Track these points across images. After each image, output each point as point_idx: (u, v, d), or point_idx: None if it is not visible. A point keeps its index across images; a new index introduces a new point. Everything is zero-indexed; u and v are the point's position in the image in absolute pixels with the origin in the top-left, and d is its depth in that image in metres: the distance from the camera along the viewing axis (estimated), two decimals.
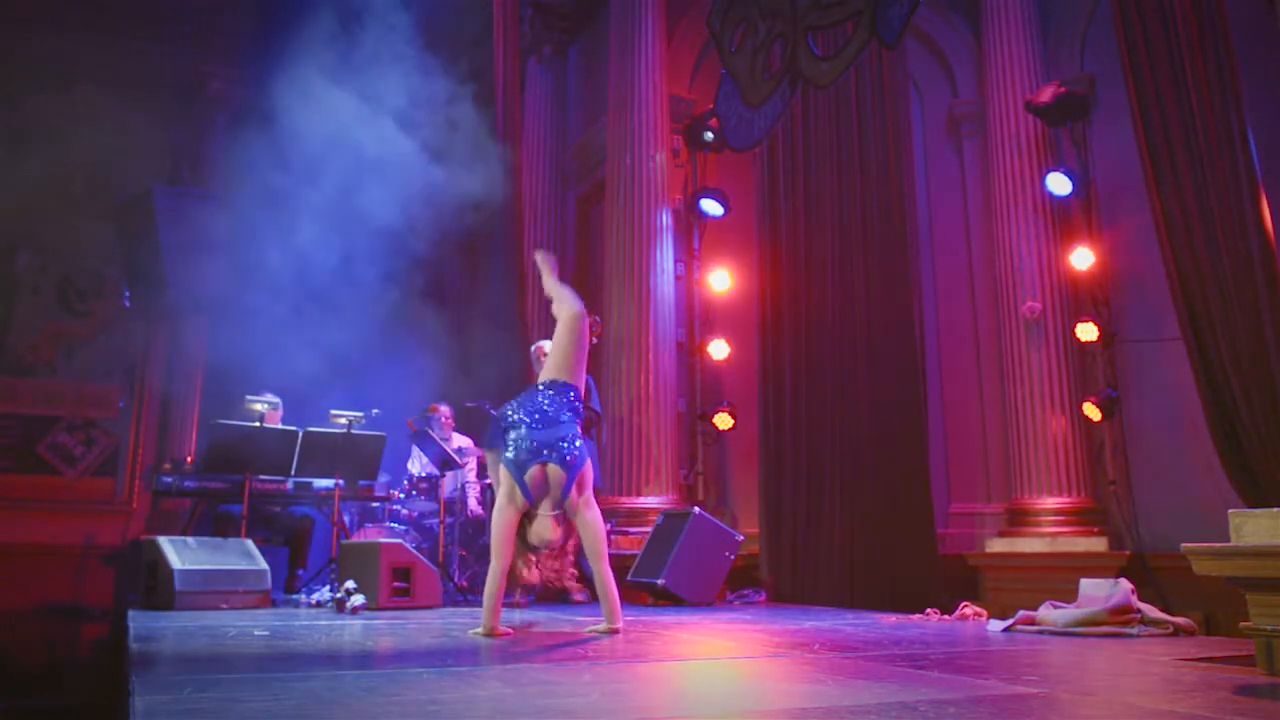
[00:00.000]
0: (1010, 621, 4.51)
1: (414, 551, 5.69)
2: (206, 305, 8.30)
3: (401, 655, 3.49)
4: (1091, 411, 6.36)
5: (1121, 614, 4.25)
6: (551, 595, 6.21)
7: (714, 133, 7.96)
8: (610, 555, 6.92)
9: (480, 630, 4.02)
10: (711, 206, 8.28)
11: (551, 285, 4.66)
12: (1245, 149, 4.86)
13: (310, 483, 6.48)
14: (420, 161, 8.19)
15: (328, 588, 5.79)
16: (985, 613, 5.22)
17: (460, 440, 7.71)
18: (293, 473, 6.38)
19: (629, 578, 6.55)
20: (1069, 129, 6.79)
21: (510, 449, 4.09)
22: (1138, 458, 6.39)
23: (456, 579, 6.64)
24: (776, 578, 6.95)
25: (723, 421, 8.02)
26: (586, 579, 6.31)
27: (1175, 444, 6.10)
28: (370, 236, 7.94)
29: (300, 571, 6.55)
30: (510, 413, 4.25)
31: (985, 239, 7.28)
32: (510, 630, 4.12)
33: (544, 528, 4.03)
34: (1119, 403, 6.43)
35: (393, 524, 7.00)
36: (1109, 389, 6.44)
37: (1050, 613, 4.40)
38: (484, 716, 2.22)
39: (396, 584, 5.42)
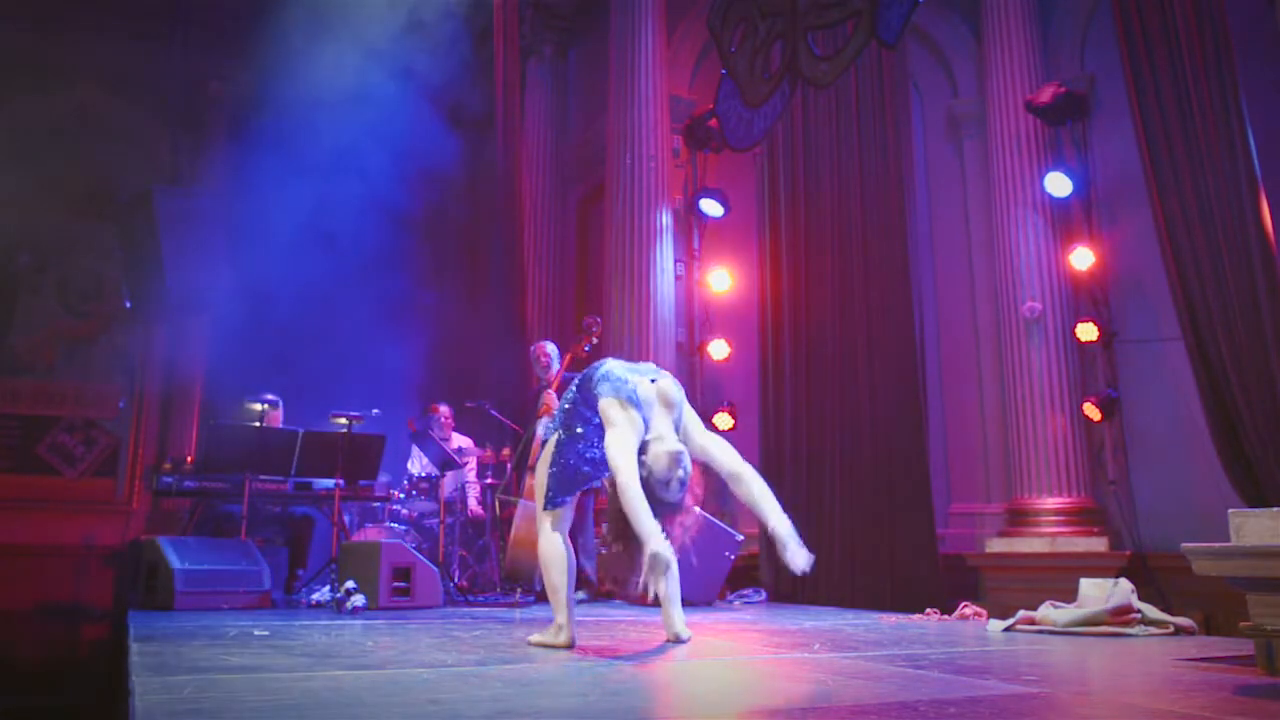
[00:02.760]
0: (1010, 621, 4.51)
1: (414, 551, 5.69)
2: (206, 305, 8.29)
3: (401, 655, 3.48)
4: (1091, 411, 6.36)
5: (1121, 614, 4.25)
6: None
7: (714, 133, 7.97)
8: (609, 555, 6.97)
9: (650, 551, 3.21)
10: (711, 207, 8.28)
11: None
12: (1245, 149, 4.87)
13: (310, 483, 6.47)
14: (421, 159, 8.20)
15: (328, 588, 5.78)
16: (985, 613, 5.22)
17: (460, 440, 7.70)
18: (293, 473, 6.38)
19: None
20: (1069, 129, 6.79)
21: (608, 383, 3.59)
22: (1138, 458, 6.39)
23: (456, 579, 6.64)
24: (776, 578, 6.95)
25: (723, 421, 8.02)
26: (588, 581, 6.31)
27: (1175, 444, 6.10)
28: (371, 236, 7.95)
29: (300, 571, 6.54)
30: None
31: (985, 239, 7.28)
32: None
33: (664, 444, 3.47)
34: (1119, 403, 6.44)
35: (393, 524, 7.00)
36: (1109, 389, 6.44)
37: (1050, 613, 4.40)
38: (485, 716, 2.22)
39: (396, 584, 5.41)
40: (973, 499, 7.33)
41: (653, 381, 3.66)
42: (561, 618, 3.67)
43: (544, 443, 5.47)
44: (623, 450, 3.43)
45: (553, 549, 3.67)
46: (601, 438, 3.58)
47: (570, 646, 3.60)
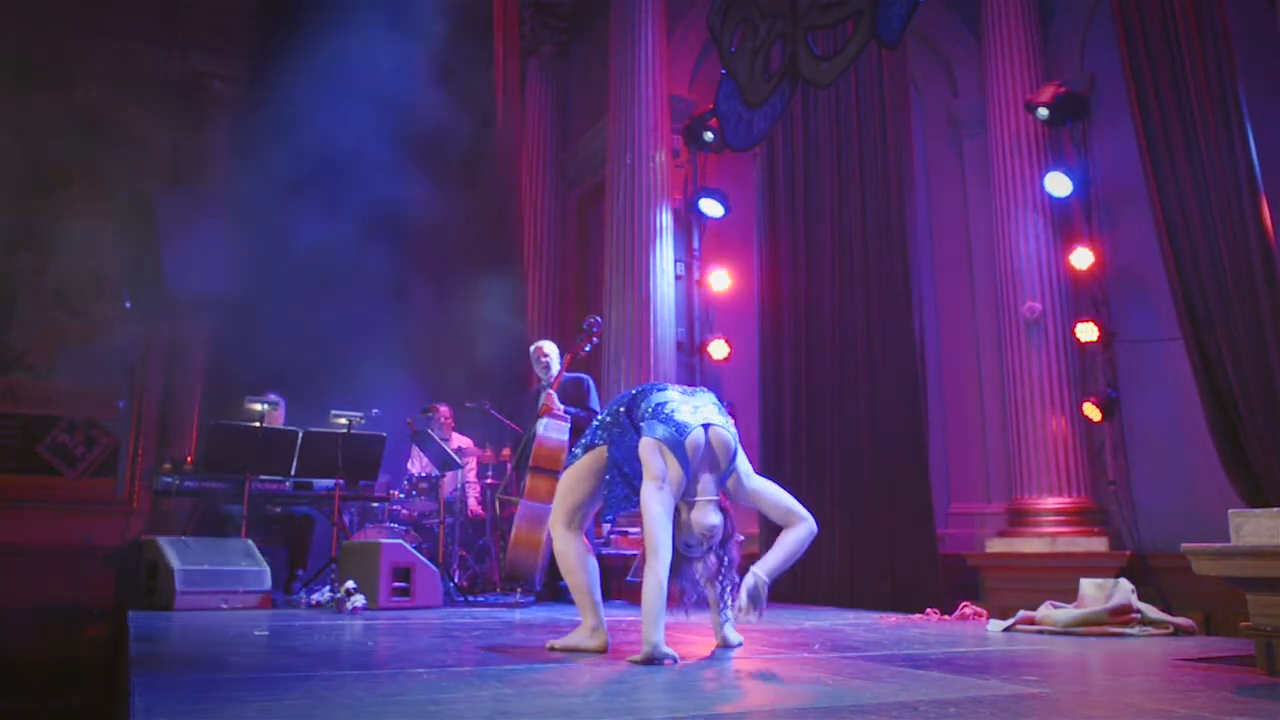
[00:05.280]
0: (1010, 621, 4.51)
1: (414, 551, 5.69)
2: (206, 304, 8.29)
3: (401, 655, 3.48)
4: (1091, 411, 6.36)
5: (1121, 614, 4.25)
6: (552, 594, 6.19)
7: (714, 133, 7.97)
8: (609, 555, 6.99)
9: (640, 657, 3.15)
10: (711, 206, 8.28)
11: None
12: (1245, 149, 4.86)
13: (310, 483, 6.47)
14: (422, 158, 8.20)
15: (328, 588, 5.78)
16: (985, 613, 5.22)
17: (460, 440, 7.70)
18: (293, 473, 6.38)
19: (628, 578, 6.55)
20: (1069, 129, 6.79)
21: (657, 421, 3.29)
22: (1138, 458, 6.39)
23: (456, 579, 6.64)
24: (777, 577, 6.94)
25: None
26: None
27: (1175, 444, 6.10)
28: (371, 236, 7.94)
29: (300, 571, 6.54)
30: (632, 397, 3.53)
31: (985, 239, 7.28)
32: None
33: (705, 513, 3.27)
34: (1119, 403, 6.44)
35: (393, 524, 7.00)
36: (1109, 389, 6.44)
37: (1050, 613, 4.41)
38: (485, 716, 2.22)
39: (396, 584, 5.42)
40: (973, 499, 7.33)
41: (705, 427, 3.33)
42: (591, 619, 3.51)
43: (544, 441, 5.45)
44: (662, 513, 3.18)
45: (569, 549, 3.53)
46: (633, 470, 3.38)
47: (605, 650, 3.44)
